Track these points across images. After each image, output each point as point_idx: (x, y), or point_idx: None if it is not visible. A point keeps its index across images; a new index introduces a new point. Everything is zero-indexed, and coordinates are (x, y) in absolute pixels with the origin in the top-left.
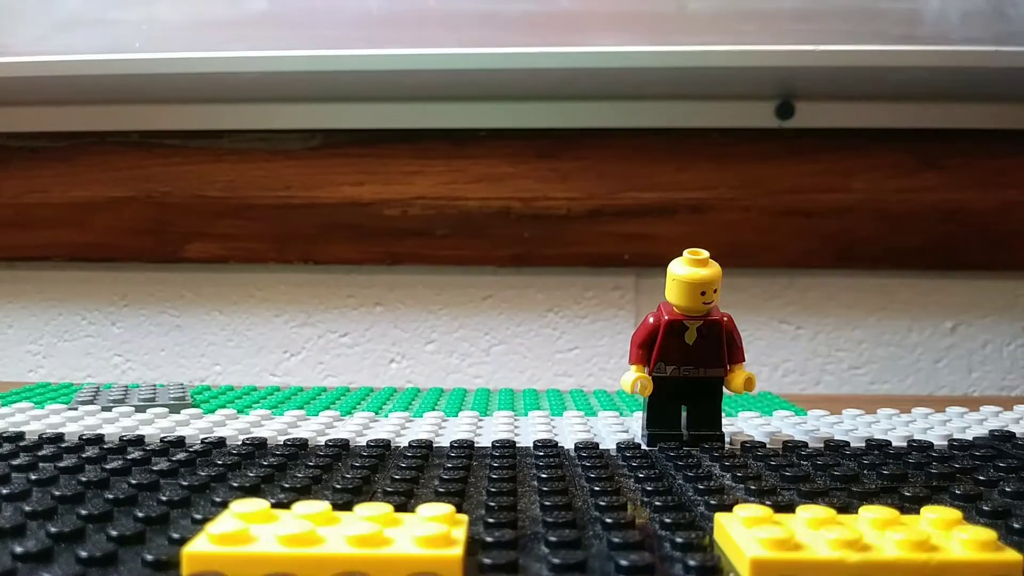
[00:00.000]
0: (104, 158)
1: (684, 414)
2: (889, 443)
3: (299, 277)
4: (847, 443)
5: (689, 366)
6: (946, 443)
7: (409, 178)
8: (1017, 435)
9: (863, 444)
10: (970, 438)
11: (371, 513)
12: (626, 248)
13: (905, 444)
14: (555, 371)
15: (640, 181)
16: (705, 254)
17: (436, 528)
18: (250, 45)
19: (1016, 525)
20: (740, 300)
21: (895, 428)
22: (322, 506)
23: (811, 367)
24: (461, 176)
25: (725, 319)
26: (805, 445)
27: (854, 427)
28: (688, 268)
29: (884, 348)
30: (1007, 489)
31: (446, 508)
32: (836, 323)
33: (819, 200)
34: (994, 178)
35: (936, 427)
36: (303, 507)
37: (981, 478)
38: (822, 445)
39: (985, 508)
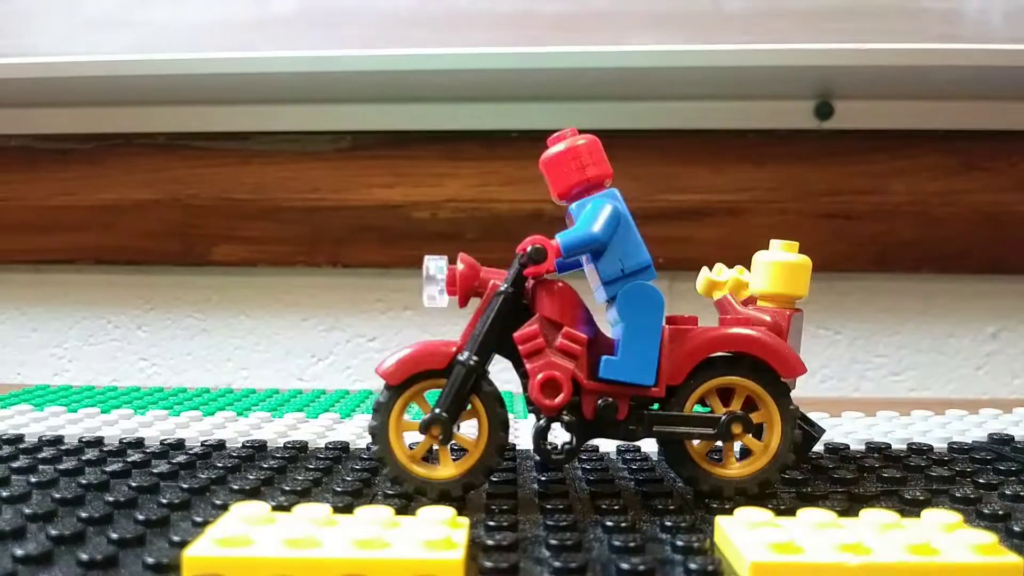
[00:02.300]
0: (130, 160)
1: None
2: (889, 446)
3: (327, 280)
4: (847, 446)
5: None
6: (946, 446)
7: (440, 180)
8: (1016, 438)
9: (863, 447)
10: (969, 441)
11: (372, 516)
12: (660, 252)
13: (904, 447)
14: None
15: (674, 183)
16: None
17: (437, 531)
18: (278, 46)
19: (1016, 528)
20: None
21: (894, 431)
22: (323, 509)
23: (850, 373)
24: (492, 178)
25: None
26: None
27: (853, 430)
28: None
29: (924, 354)
30: (1007, 492)
31: (447, 511)
32: (875, 328)
33: (858, 202)
34: None
35: (935, 429)
36: (304, 510)
37: (981, 481)
38: (822, 448)
39: (985, 511)
